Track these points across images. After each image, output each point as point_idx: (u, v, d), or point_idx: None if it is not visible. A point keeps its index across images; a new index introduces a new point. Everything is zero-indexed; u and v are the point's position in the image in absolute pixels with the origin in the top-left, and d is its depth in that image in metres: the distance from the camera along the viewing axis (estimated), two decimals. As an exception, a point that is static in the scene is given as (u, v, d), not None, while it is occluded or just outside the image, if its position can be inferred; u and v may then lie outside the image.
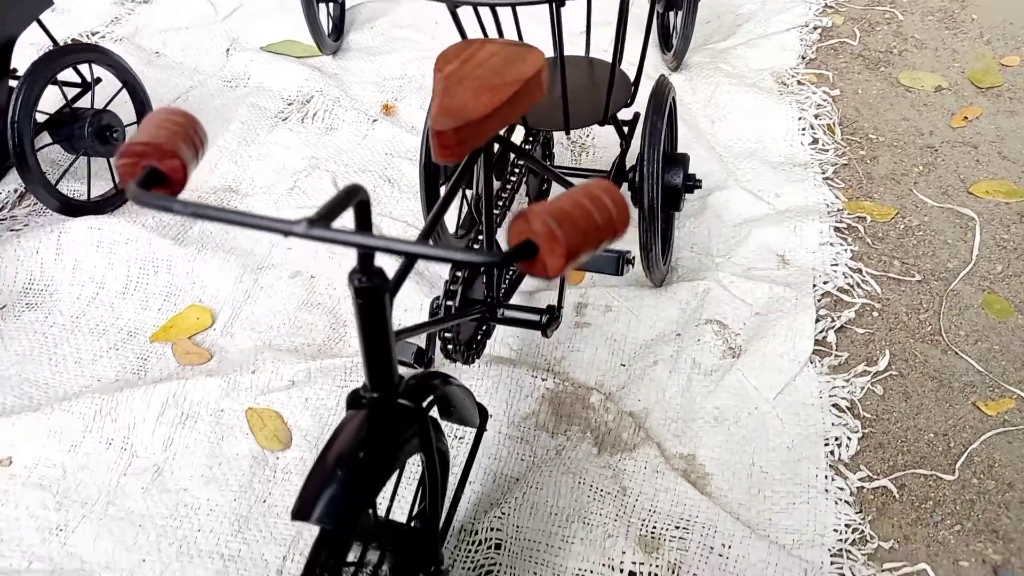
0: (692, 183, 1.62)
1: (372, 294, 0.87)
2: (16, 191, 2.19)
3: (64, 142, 2.01)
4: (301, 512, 0.87)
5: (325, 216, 0.75)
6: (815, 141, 2.07)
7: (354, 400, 0.98)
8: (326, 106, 2.40)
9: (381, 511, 1.13)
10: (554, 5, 1.22)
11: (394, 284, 0.96)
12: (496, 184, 1.65)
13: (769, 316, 1.62)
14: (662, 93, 1.53)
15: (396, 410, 0.97)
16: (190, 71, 2.65)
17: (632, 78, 1.59)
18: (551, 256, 0.69)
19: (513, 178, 1.59)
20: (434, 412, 1.22)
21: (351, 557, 1.06)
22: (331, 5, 2.69)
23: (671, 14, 2.33)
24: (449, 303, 1.33)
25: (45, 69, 1.88)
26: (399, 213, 2.01)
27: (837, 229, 1.82)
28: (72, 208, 2.00)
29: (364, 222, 0.85)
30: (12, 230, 2.08)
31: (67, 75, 2.38)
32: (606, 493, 1.37)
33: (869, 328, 1.62)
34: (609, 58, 1.57)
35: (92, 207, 2.04)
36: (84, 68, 2.17)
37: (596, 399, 1.49)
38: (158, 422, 1.58)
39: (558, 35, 1.28)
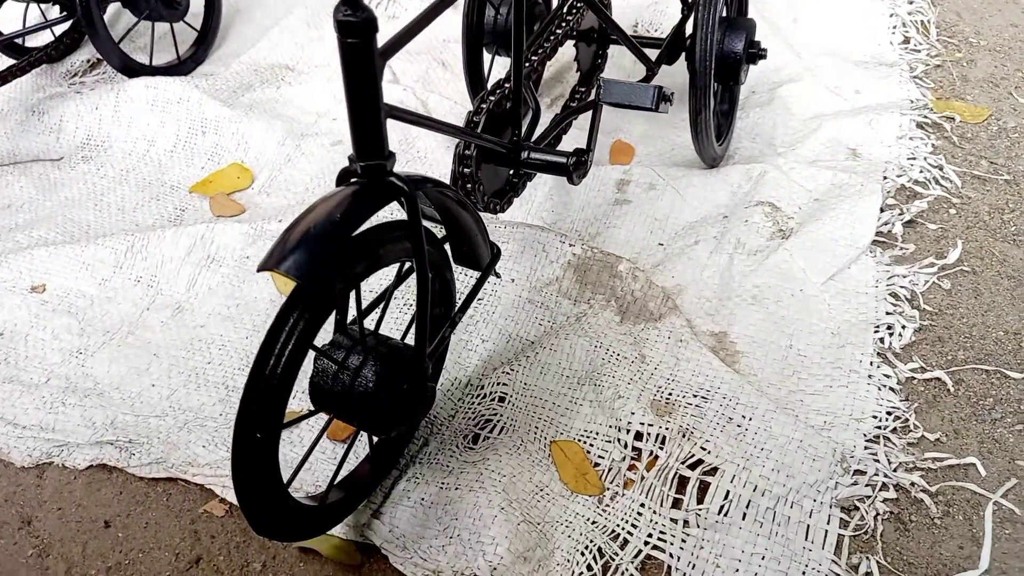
0: (756, 52, 1.49)
1: (358, 31, 0.81)
2: (88, 60, 2.24)
3: (130, 4, 2.03)
4: (267, 263, 0.82)
5: None
6: (906, 41, 1.88)
7: (343, 177, 0.93)
8: (391, -6, 2.35)
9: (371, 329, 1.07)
10: None
11: (390, 44, 0.89)
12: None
13: (829, 201, 1.47)
14: (727, -58, 1.40)
15: (384, 186, 0.90)
16: (266, -37, 2.65)
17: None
18: None
19: (559, 30, 1.49)
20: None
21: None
22: (408, -99, 2.64)
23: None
24: (468, 152, 1.25)
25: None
26: (448, 92, 1.95)
27: (920, 125, 1.64)
28: (133, 70, 2.03)
29: None
30: (78, 92, 2.12)
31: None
32: (623, 358, 1.28)
33: (943, 224, 1.45)
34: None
35: (153, 72, 2.06)
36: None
37: (625, 267, 1.39)
38: (184, 262, 1.57)
39: None
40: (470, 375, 1.32)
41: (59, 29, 2.16)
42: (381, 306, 1.07)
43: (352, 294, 0.97)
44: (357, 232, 0.96)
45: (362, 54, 0.83)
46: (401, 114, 0.95)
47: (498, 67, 1.91)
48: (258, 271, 0.82)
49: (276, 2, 2.40)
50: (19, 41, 2.17)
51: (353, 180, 0.92)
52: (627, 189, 1.58)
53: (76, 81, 2.19)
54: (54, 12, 2.15)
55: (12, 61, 2.05)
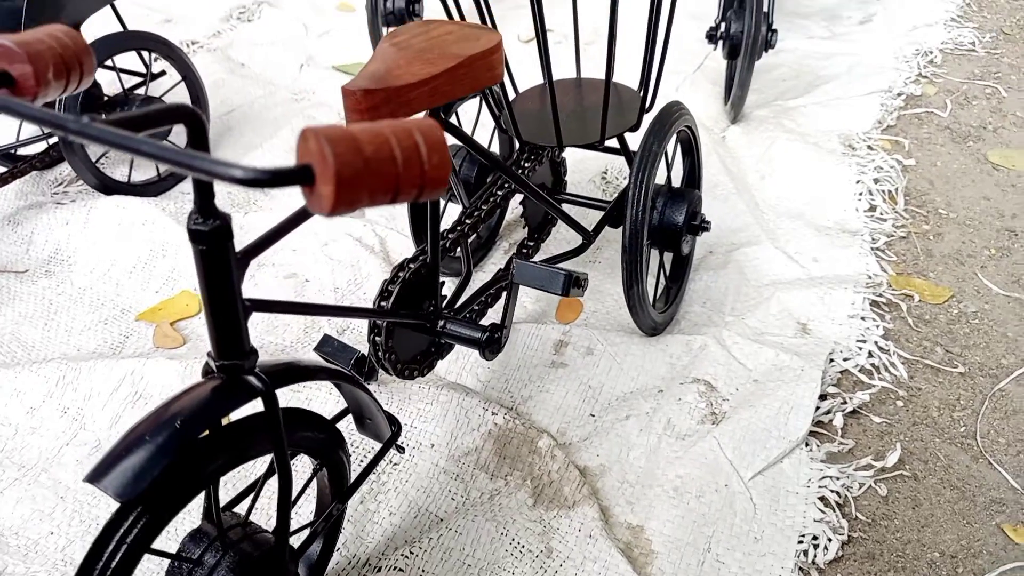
0: (699, 224, 1.46)
1: (210, 239, 0.79)
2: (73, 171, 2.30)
3: (112, 124, 2.09)
4: (91, 475, 0.78)
5: (123, 120, 0.67)
6: (872, 208, 1.84)
7: (205, 371, 0.90)
8: (375, 124, 2.40)
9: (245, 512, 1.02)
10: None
11: (249, 248, 0.87)
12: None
13: (767, 385, 1.40)
14: (667, 116, 1.39)
15: (239, 385, 0.87)
16: (264, 82, 2.74)
17: (649, 101, 1.46)
18: (322, 182, 0.58)
19: (500, 192, 1.48)
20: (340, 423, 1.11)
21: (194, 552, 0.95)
22: (405, 32, 2.74)
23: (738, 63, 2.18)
24: (383, 304, 1.22)
25: (102, 49, 1.97)
26: (409, 230, 1.94)
27: (875, 304, 1.58)
28: (110, 188, 2.07)
29: (197, 143, 0.77)
30: (58, 204, 2.17)
31: (136, 64, 2.52)
32: (527, 551, 1.20)
33: (888, 418, 1.37)
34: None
35: (130, 190, 2.10)
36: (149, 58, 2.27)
37: (544, 444, 1.32)
38: (112, 397, 1.55)
39: (542, 33, 1.18)
40: (370, 552, 1.24)
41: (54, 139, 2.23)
42: (256, 494, 1.02)
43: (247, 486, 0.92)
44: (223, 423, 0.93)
45: (216, 260, 0.81)
46: (270, 307, 0.93)
47: (451, 211, 1.91)
48: (83, 480, 0.78)
49: (266, 123, 2.47)
50: (13, 151, 2.24)
51: (211, 376, 0.89)
52: (565, 352, 1.54)
53: (60, 191, 2.24)
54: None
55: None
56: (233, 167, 0.58)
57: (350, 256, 1.84)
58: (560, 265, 1.29)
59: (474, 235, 1.49)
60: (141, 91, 2.32)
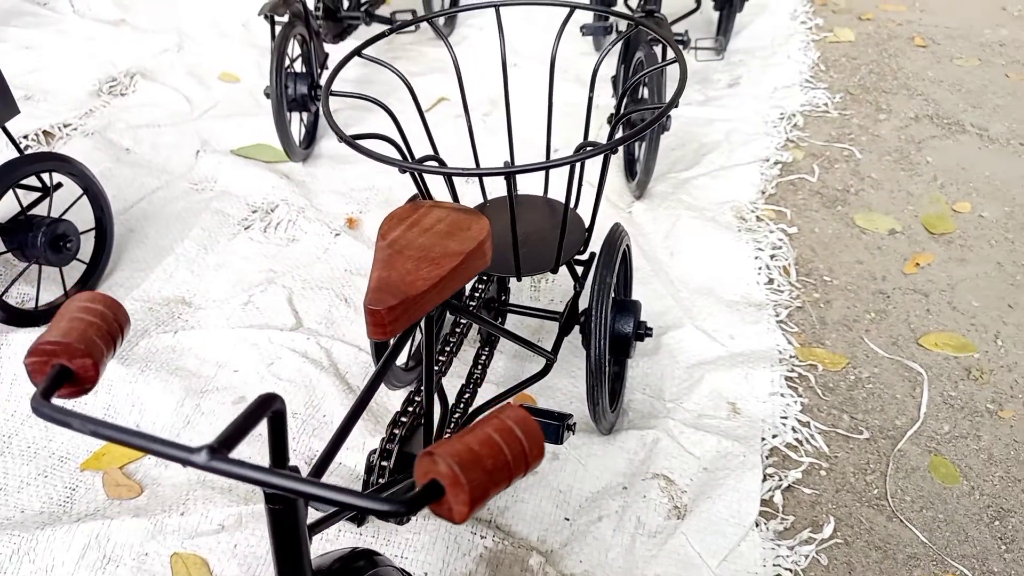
0: (643, 331, 1.62)
1: (284, 500, 0.84)
2: (-35, 293, 2.14)
3: (16, 250, 1.98)
4: None
5: (227, 440, 0.72)
6: (771, 281, 2.09)
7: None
8: (290, 216, 2.39)
9: None
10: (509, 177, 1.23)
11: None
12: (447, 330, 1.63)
13: (716, 473, 1.59)
14: (613, 244, 1.53)
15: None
16: (158, 171, 2.64)
17: (588, 221, 1.60)
18: (457, 502, 0.66)
19: (459, 327, 1.58)
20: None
21: None
22: (304, 114, 2.73)
23: (636, 144, 2.38)
24: (384, 463, 1.29)
25: (3, 178, 1.86)
26: (352, 336, 1.99)
27: (788, 378, 1.82)
28: (17, 318, 1.96)
29: (278, 435, 0.82)
30: (-45, 337, 2.02)
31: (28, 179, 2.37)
32: (539, 670, 1.31)
33: (816, 488, 1.59)
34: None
35: (39, 316, 1.99)
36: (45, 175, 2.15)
37: (535, 561, 1.44)
38: (78, 565, 1.50)
39: (508, 191, 1.28)
40: None
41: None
42: None
43: None
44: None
45: (289, 515, 0.86)
46: (321, 527, 0.98)
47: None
48: None
49: (171, 221, 2.39)
50: None
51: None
52: (531, 458, 1.65)
53: (-46, 322, 2.08)
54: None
55: None
56: (379, 502, 0.65)
57: (300, 375, 1.86)
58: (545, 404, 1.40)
59: (446, 371, 1.57)
60: (40, 209, 2.19)
